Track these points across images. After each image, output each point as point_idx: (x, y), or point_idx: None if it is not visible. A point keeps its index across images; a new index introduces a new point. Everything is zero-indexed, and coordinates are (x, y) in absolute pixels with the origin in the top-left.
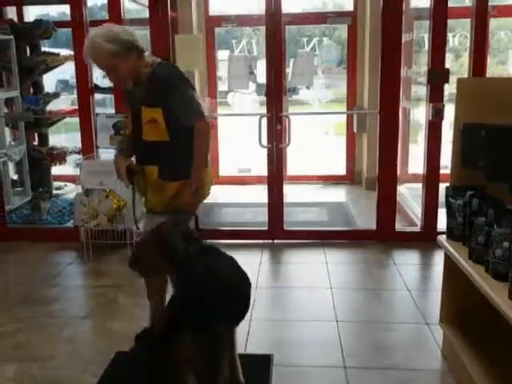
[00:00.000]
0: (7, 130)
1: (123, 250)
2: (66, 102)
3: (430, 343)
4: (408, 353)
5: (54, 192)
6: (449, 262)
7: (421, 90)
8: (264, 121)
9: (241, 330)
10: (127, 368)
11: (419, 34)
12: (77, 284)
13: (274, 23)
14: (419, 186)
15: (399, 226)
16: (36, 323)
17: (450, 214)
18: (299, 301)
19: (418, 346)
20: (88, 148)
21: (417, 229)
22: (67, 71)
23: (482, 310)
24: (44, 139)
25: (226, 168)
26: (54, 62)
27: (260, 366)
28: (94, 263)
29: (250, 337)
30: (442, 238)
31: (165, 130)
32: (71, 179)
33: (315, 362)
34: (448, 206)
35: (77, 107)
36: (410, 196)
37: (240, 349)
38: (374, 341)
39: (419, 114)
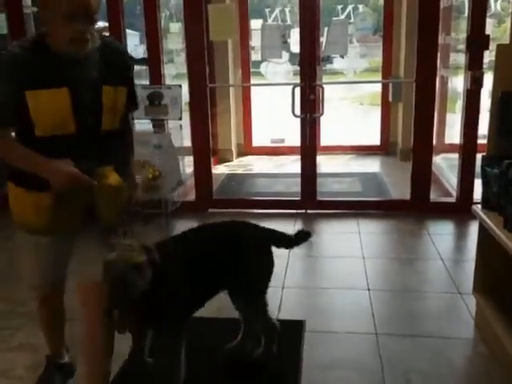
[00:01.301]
0: None
1: (158, 220)
2: None
3: (463, 313)
4: (440, 321)
5: None
6: (483, 231)
7: (460, 58)
8: (297, 90)
9: (273, 298)
10: None
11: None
12: None
13: None
14: (456, 156)
15: (434, 197)
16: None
17: (485, 184)
18: (331, 269)
19: (450, 315)
20: None
21: (452, 199)
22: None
23: None
24: None
25: (259, 139)
26: None
27: (292, 331)
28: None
29: (282, 304)
30: (477, 208)
31: (120, 116)
32: None
33: (347, 328)
34: (484, 175)
35: None
36: (446, 166)
37: (273, 315)
38: (406, 309)
39: (457, 83)
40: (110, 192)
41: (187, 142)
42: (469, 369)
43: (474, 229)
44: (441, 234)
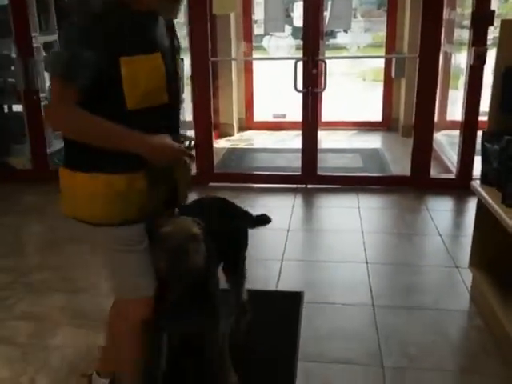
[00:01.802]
0: (47, 75)
1: None
2: None
3: (460, 286)
4: (437, 294)
5: None
6: (481, 206)
7: (464, 34)
8: (300, 65)
9: (272, 270)
10: None
11: None
12: None
13: None
14: (456, 133)
15: (434, 173)
16: (81, 259)
17: (485, 159)
18: (330, 243)
19: (446, 288)
20: None
21: (452, 176)
22: None
23: (511, 254)
24: None
25: (260, 114)
26: None
27: (291, 302)
28: None
29: (281, 276)
30: (476, 183)
31: None
32: None
33: (344, 300)
34: (484, 151)
35: None
36: (447, 143)
37: (271, 287)
38: (404, 282)
39: (461, 59)
40: (189, 166)
41: (188, 117)
42: (464, 340)
43: (472, 205)
44: (440, 209)
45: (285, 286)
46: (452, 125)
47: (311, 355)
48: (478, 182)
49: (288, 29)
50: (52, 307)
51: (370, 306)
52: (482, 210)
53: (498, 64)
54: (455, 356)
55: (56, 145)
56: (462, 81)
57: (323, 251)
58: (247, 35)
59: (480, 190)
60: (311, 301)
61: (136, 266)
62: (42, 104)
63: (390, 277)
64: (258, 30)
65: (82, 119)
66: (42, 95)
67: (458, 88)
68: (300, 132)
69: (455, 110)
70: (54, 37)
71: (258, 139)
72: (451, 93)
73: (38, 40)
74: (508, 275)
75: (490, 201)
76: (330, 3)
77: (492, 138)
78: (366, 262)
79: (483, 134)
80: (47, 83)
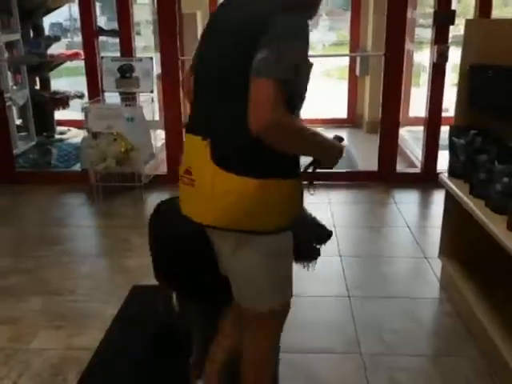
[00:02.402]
0: (10, 75)
1: (132, 193)
2: (61, 46)
3: (429, 275)
4: (408, 284)
5: (58, 137)
6: (449, 197)
7: (423, 33)
8: None
9: None
10: (144, 302)
11: None
12: (88, 224)
13: None
14: (419, 128)
15: (400, 168)
16: (54, 261)
17: (452, 153)
18: None
19: (417, 277)
20: (94, 92)
21: (417, 170)
22: (60, 15)
23: (479, 243)
24: (46, 84)
25: None
26: (54, 3)
27: None
28: (104, 205)
29: None
30: (444, 176)
31: None
32: (75, 124)
33: (320, 292)
34: (451, 145)
35: (76, 51)
36: (410, 139)
37: None
38: (376, 273)
39: (421, 57)
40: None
41: (157, 116)
42: (436, 326)
43: (437, 198)
44: (407, 202)
45: None
46: (415, 121)
47: (293, 347)
48: (446, 174)
49: None
50: (30, 310)
51: (346, 297)
52: (451, 201)
53: (464, 61)
54: (429, 341)
55: (21, 146)
56: (423, 78)
57: None
58: None
59: (448, 182)
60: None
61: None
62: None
63: (363, 268)
64: None
65: (302, 128)
66: (6, 95)
67: (419, 85)
68: None
69: (417, 107)
70: (17, 36)
71: None
72: (413, 90)
73: (1, 39)
74: (476, 262)
75: (459, 192)
76: None
77: (459, 133)
78: (340, 255)
79: (450, 128)
80: (10, 83)
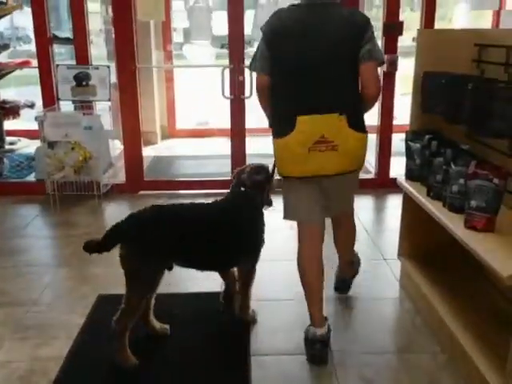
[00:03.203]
0: None
1: (90, 202)
2: (3, 56)
3: (388, 276)
4: (369, 285)
5: (8, 147)
6: (407, 200)
7: None
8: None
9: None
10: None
11: None
12: (47, 234)
13: None
14: (371, 136)
15: None
16: (14, 272)
17: (409, 157)
18: (267, 242)
19: (377, 278)
20: (48, 100)
21: (372, 176)
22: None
23: (437, 242)
24: None
25: (183, 121)
26: (1, 11)
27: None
28: (62, 215)
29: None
30: (401, 179)
31: None
32: (25, 134)
33: (285, 296)
34: (408, 149)
35: (26, 59)
36: None
37: (217, 289)
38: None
39: None
40: None
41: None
42: (398, 323)
43: (392, 202)
44: (363, 207)
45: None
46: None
47: (262, 349)
48: (403, 177)
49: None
50: None
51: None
52: (408, 202)
53: (417, 69)
54: (392, 338)
55: None
56: None
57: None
58: (167, 43)
59: (406, 185)
60: (255, 298)
61: None
62: None
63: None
64: (177, 37)
65: None
66: None
67: None
68: (224, 138)
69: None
70: None
71: (182, 147)
72: None
73: None
74: (433, 260)
75: (417, 194)
76: (253, 13)
77: (414, 137)
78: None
79: (406, 133)
80: None
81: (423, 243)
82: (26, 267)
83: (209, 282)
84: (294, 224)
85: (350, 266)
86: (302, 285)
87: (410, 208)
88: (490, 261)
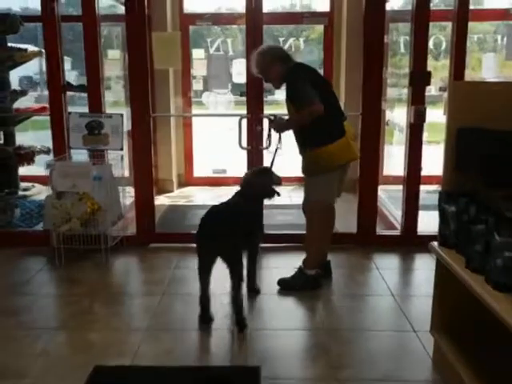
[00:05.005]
0: None
1: (96, 256)
2: (29, 100)
3: (420, 352)
4: (397, 362)
5: (21, 193)
6: (441, 268)
7: (392, 92)
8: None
9: (223, 342)
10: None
11: (393, 37)
12: (48, 292)
13: (255, 21)
14: (394, 187)
15: (378, 229)
16: (4, 335)
17: (443, 221)
18: (281, 309)
19: (407, 355)
20: (59, 148)
21: (397, 232)
22: (29, 68)
23: (476, 319)
24: (10, 138)
25: (200, 169)
26: (21, 58)
27: (248, 378)
28: (66, 270)
29: (233, 349)
30: (435, 245)
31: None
32: (39, 180)
33: (304, 374)
34: (441, 212)
35: (43, 105)
36: (386, 198)
37: (225, 362)
38: (363, 349)
39: (394, 116)
40: None
41: (127, 172)
42: None
43: (420, 262)
44: (389, 268)
45: (239, 359)
46: (388, 180)
47: None
48: (436, 242)
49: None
50: None
51: (332, 380)
52: (443, 272)
53: (450, 125)
54: None
55: None
56: (397, 137)
57: (275, 318)
58: (186, 91)
59: (441, 252)
60: (269, 376)
61: None
62: None
63: (347, 344)
64: (196, 85)
65: None
66: None
67: (393, 143)
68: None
69: (391, 165)
70: None
71: (199, 195)
72: (386, 148)
73: None
74: (472, 340)
75: (454, 264)
76: None
77: (448, 199)
78: (323, 328)
79: (440, 194)
80: None
81: (460, 318)
82: (19, 330)
83: None
84: None
85: (298, 271)
86: (327, 228)
87: (445, 278)
88: None
